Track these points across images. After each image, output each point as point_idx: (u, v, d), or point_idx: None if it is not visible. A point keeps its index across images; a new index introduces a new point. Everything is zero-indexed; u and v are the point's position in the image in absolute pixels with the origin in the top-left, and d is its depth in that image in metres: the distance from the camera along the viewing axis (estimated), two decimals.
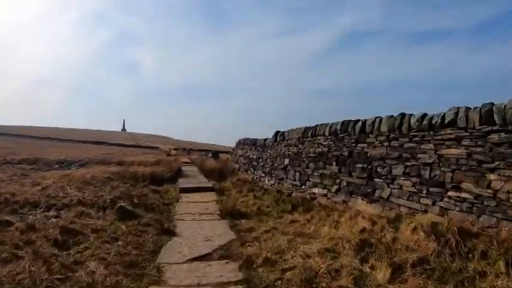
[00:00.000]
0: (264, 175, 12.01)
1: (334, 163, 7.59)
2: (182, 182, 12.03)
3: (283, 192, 9.51)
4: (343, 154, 7.33)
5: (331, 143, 7.75)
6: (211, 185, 10.98)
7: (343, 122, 7.56)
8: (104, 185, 11.52)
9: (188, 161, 22.58)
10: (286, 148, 10.06)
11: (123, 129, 78.16)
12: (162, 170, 14.88)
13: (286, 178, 9.72)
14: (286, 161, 9.89)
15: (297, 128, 9.64)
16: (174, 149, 53.89)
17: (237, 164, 15.88)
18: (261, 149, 12.98)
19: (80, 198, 8.43)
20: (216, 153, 22.78)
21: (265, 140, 12.69)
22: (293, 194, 9.09)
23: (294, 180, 9.22)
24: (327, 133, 7.96)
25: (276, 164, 10.81)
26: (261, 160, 12.76)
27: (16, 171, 15.46)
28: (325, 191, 7.81)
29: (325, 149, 7.93)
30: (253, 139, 14.18)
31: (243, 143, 15.24)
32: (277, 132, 11.25)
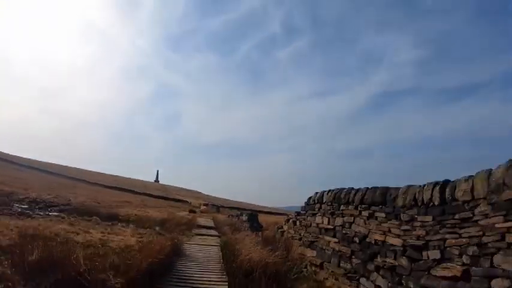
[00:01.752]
0: None
1: None
2: None
3: None
4: None
5: None
6: None
7: None
8: None
9: (210, 224, 13.23)
10: None
11: (156, 180, 71.61)
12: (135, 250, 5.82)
13: None
14: None
15: None
16: (204, 205, 44.83)
17: (312, 249, 6.34)
18: (455, 222, 3.58)
19: None
20: (253, 215, 13.30)
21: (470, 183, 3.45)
22: None
23: None
24: None
25: None
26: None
27: None
28: None
29: None
30: (381, 188, 4.88)
31: (337, 201, 5.87)
32: None
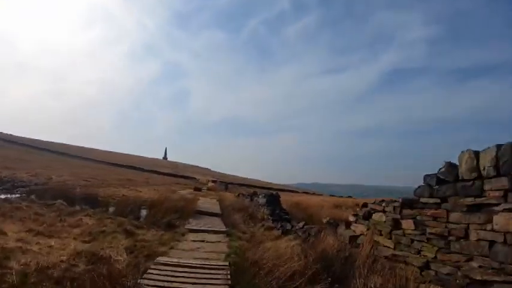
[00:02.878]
0: None
1: None
2: None
3: None
4: None
5: None
6: None
7: None
8: None
9: (215, 209, 9.03)
10: None
11: (165, 158, 68.26)
12: None
13: None
14: None
15: None
16: (212, 181, 41.03)
17: None
18: None
19: None
20: (274, 197, 9.06)
21: None
22: None
23: None
24: None
25: None
26: None
27: None
28: None
29: None
30: None
31: None
32: None
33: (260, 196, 9.55)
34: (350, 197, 48.66)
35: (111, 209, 9.97)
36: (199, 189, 22.43)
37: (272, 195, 9.08)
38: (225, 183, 33.58)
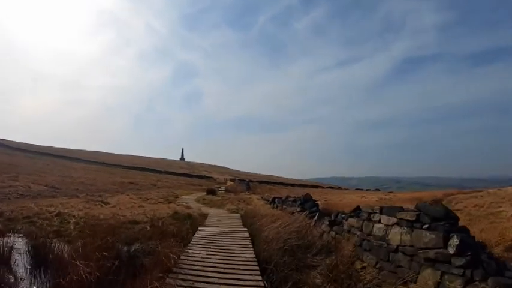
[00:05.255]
0: None
1: None
2: None
3: None
4: None
5: None
6: None
7: None
8: None
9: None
10: None
11: (182, 158, 63.00)
12: None
13: None
14: None
15: None
16: (230, 180, 34.94)
17: None
18: None
19: None
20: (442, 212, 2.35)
21: None
22: None
23: None
24: None
25: None
26: None
27: None
28: None
29: None
30: None
31: None
32: None
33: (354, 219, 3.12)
34: (378, 189, 41.34)
35: None
36: (213, 192, 16.17)
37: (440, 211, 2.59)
38: (246, 181, 27.09)
